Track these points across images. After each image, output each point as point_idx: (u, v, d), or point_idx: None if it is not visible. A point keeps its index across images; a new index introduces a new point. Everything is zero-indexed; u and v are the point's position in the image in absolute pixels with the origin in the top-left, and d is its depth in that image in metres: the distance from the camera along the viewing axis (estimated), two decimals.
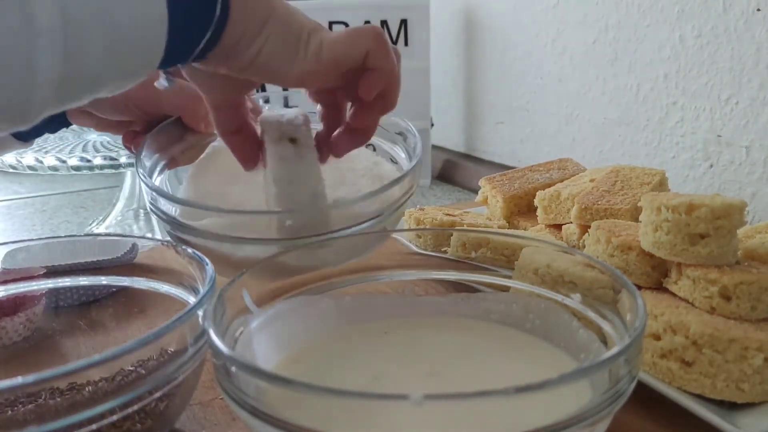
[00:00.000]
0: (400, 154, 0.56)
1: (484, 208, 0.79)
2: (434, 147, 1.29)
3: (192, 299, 0.45)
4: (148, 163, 0.51)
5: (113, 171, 0.84)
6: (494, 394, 0.27)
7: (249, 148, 0.48)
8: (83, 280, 0.51)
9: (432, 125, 1.20)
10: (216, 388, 0.37)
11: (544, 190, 0.71)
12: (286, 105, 0.83)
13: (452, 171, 1.26)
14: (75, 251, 0.52)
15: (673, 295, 0.48)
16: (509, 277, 0.46)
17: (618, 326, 0.37)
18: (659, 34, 0.86)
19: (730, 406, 0.41)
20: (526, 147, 1.14)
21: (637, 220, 0.56)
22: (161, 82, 0.45)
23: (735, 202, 0.46)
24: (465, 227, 0.67)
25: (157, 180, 0.52)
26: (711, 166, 0.82)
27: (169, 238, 0.50)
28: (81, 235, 0.74)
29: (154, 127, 0.53)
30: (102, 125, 0.55)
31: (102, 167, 0.82)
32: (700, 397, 0.42)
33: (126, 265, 0.52)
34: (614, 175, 0.68)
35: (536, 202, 0.70)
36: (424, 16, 1.13)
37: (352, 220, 0.46)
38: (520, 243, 0.50)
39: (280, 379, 0.30)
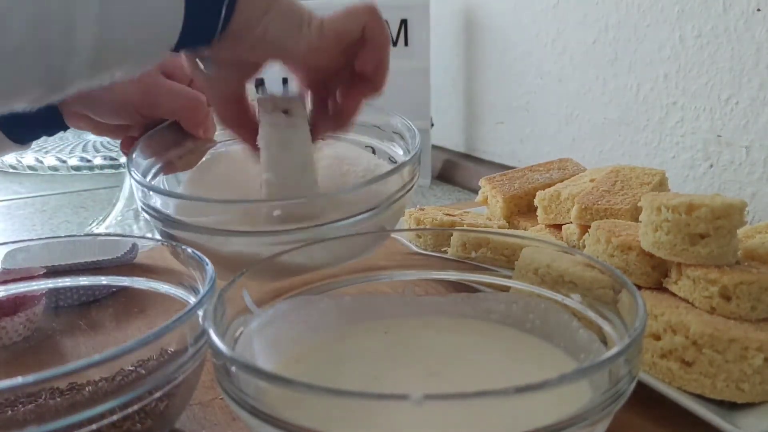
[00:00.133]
0: (399, 153, 0.56)
1: (484, 208, 0.79)
2: (434, 147, 1.29)
3: (192, 299, 0.45)
4: (142, 164, 0.51)
5: (113, 171, 0.84)
6: (494, 394, 0.27)
7: (252, 133, 0.50)
8: (83, 280, 0.51)
9: (432, 125, 1.20)
10: (216, 388, 0.37)
11: (544, 190, 0.71)
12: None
13: (452, 171, 1.26)
14: (75, 251, 0.52)
15: (673, 295, 0.48)
16: (509, 277, 0.46)
17: (618, 326, 0.37)
18: (659, 34, 0.86)
19: (730, 406, 0.41)
20: (526, 147, 1.14)
21: (637, 220, 0.56)
22: (201, 68, 0.47)
23: (735, 202, 0.46)
24: (465, 227, 0.67)
25: (152, 182, 0.52)
26: (711, 166, 0.82)
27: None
28: (81, 235, 0.74)
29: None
30: (99, 129, 0.55)
31: (102, 167, 0.82)
32: (700, 397, 0.41)
33: (126, 265, 0.52)
34: (614, 175, 0.68)
35: (536, 202, 0.70)
36: (424, 16, 1.13)
37: (345, 211, 0.46)
38: (520, 243, 0.50)
39: (280, 379, 0.30)
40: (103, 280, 0.52)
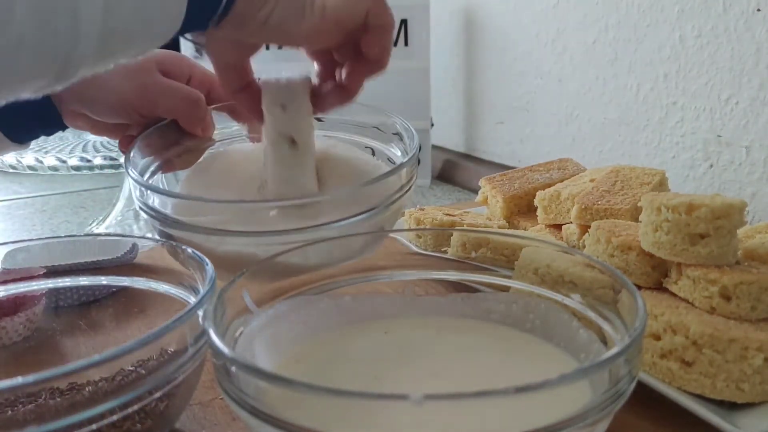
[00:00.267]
0: (398, 155, 0.56)
1: (484, 208, 0.79)
2: (434, 147, 1.29)
3: (192, 299, 0.45)
4: (140, 163, 0.50)
5: (113, 171, 0.84)
6: (494, 394, 0.27)
7: (256, 105, 0.50)
8: (83, 280, 0.51)
9: (432, 125, 1.20)
10: (216, 388, 0.36)
11: (544, 190, 0.71)
12: None
13: (452, 171, 1.26)
14: (75, 251, 0.52)
15: (673, 295, 0.48)
16: (509, 277, 0.46)
17: (618, 326, 0.37)
18: (659, 34, 0.86)
19: (730, 406, 0.41)
20: (526, 147, 1.14)
21: (637, 220, 0.56)
22: (192, 54, 0.47)
23: (735, 202, 0.46)
24: (465, 227, 0.67)
25: (150, 180, 0.51)
26: (711, 166, 0.82)
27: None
28: (81, 235, 0.74)
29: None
30: (98, 128, 0.55)
31: (102, 167, 0.82)
32: (700, 397, 0.41)
33: (126, 265, 0.52)
34: (614, 175, 0.68)
35: (536, 202, 0.70)
36: (424, 16, 1.13)
37: (343, 212, 0.46)
38: (520, 243, 0.50)
39: (280, 379, 0.30)
40: (103, 280, 0.52)
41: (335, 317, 0.45)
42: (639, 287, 0.49)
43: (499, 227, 0.71)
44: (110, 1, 0.35)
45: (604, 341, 0.38)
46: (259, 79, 0.51)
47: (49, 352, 0.51)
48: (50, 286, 0.51)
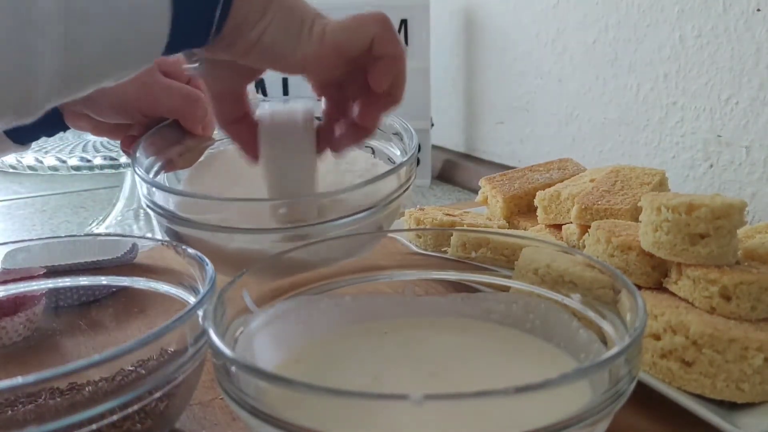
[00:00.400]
0: (397, 154, 0.56)
1: (484, 208, 0.79)
2: (434, 147, 1.29)
3: (192, 299, 0.45)
4: (144, 162, 0.51)
5: (113, 171, 0.84)
6: (494, 394, 0.27)
7: (251, 138, 0.47)
8: (83, 280, 0.51)
9: (432, 125, 1.20)
10: (216, 388, 0.37)
11: (544, 190, 0.71)
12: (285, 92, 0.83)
13: (452, 171, 1.26)
14: (75, 251, 0.52)
15: (673, 295, 0.48)
16: (509, 277, 0.46)
17: (618, 326, 0.37)
18: (659, 34, 0.86)
19: (730, 406, 0.41)
20: (526, 147, 1.14)
21: (637, 220, 0.56)
22: (189, 67, 0.44)
23: (735, 202, 0.46)
24: (465, 227, 0.67)
25: (154, 179, 0.52)
26: (711, 166, 0.82)
27: (168, 238, 0.50)
28: (81, 235, 0.74)
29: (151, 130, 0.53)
30: (99, 129, 0.55)
31: (102, 167, 0.82)
32: (700, 397, 0.41)
33: (126, 265, 0.52)
34: (614, 175, 0.68)
35: (536, 202, 0.70)
36: (424, 16, 1.13)
37: (343, 210, 0.46)
38: (520, 243, 0.50)
39: (280, 379, 0.30)
40: (103, 280, 0.52)
41: (335, 317, 0.45)
42: (639, 287, 0.49)
43: (499, 227, 0.71)
44: (73, 33, 0.32)
45: (604, 341, 0.38)
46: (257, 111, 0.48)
47: (49, 352, 0.51)
48: (50, 286, 0.51)
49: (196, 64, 0.44)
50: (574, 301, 0.42)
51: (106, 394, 0.33)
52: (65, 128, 0.54)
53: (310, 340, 0.43)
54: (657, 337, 0.44)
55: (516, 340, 0.43)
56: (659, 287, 0.50)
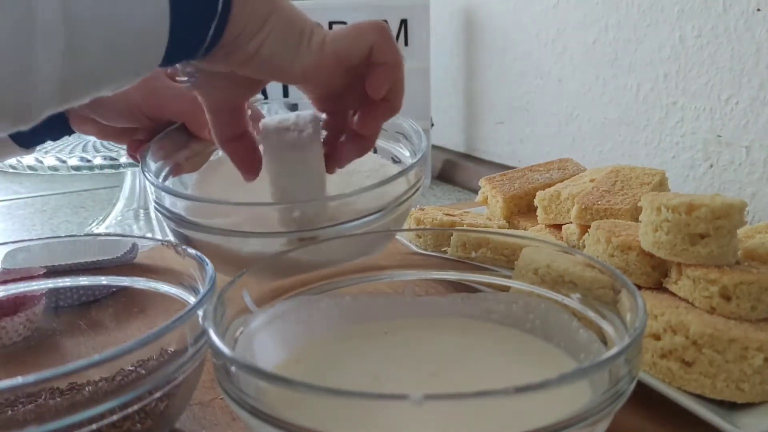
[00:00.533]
0: (405, 155, 0.56)
1: (484, 208, 0.79)
2: (434, 147, 1.29)
3: (192, 299, 0.45)
4: (153, 167, 0.51)
5: (113, 171, 0.84)
6: (494, 394, 0.27)
7: (249, 157, 0.46)
8: (83, 280, 0.51)
9: (432, 125, 1.20)
10: (216, 388, 0.37)
11: (544, 190, 0.71)
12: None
13: (452, 171, 1.26)
14: (75, 251, 0.52)
15: (673, 295, 0.48)
16: (509, 277, 0.46)
17: (618, 326, 0.37)
18: (659, 34, 0.86)
19: (730, 406, 0.41)
20: (526, 147, 1.14)
21: (637, 220, 0.56)
22: (182, 80, 0.43)
23: (735, 202, 0.46)
24: (465, 227, 0.67)
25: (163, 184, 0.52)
26: (711, 166, 0.82)
27: (169, 238, 0.50)
28: (81, 235, 0.74)
29: (158, 134, 0.53)
30: (105, 133, 0.54)
31: (102, 167, 0.82)
32: (700, 397, 0.41)
33: (126, 265, 0.52)
34: (614, 175, 0.68)
35: (536, 202, 0.70)
36: (424, 16, 1.13)
37: (354, 213, 0.46)
38: (520, 243, 0.50)
39: (280, 379, 0.30)
40: (103, 280, 0.52)
41: (335, 317, 0.45)
42: (639, 287, 0.49)
43: (499, 227, 0.71)
44: (73, 41, 0.32)
45: (604, 341, 0.38)
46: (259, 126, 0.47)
47: (49, 352, 0.51)
48: (50, 286, 0.51)
49: (189, 78, 0.43)
50: (574, 301, 0.42)
51: (106, 394, 0.33)
52: (70, 132, 0.54)
53: (310, 340, 0.43)
54: (657, 337, 0.44)
55: (516, 340, 0.43)
56: (659, 287, 0.50)
